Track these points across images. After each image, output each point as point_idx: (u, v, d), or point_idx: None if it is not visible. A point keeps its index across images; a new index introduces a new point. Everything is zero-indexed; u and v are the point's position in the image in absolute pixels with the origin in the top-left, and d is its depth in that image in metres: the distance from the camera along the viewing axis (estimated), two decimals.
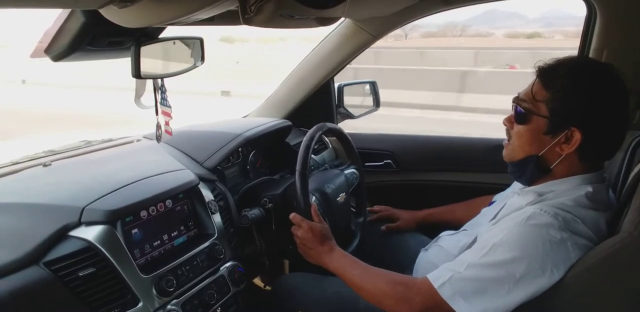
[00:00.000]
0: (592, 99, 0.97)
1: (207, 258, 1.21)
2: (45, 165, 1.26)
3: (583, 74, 1.00)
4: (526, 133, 1.04)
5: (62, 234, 0.96)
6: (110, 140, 1.56)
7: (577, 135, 0.97)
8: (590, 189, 1.00)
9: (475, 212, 1.35)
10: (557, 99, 0.98)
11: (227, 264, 1.27)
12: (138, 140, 1.58)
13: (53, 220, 0.98)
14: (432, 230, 1.52)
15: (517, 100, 1.05)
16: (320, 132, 1.41)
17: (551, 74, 1.01)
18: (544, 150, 1.02)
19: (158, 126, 1.19)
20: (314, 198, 1.39)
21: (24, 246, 0.91)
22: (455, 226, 1.38)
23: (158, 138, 1.20)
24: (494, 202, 1.34)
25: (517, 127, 1.06)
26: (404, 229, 1.65)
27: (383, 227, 1.65)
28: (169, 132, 1.20)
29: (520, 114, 1.04)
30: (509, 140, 1.10)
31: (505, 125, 1.10)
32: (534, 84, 1.03)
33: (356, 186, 1.62)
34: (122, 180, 1.15)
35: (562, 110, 0.98)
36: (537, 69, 1.03)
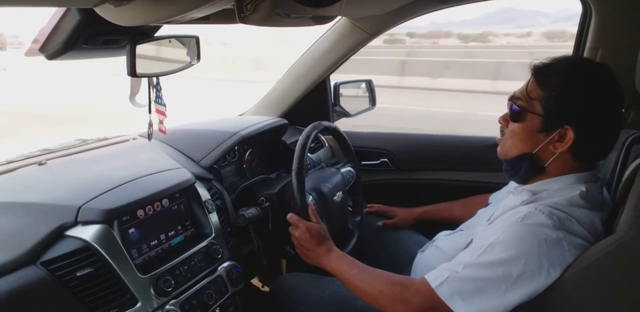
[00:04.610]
0: (586, 98, 0.97)
1: (204, 258, 1.21)
2: (40, 164, 1.25)
3: (577, 73, 1.00)
4: (520, 131, 1.04)
5: (58, 234, 0.96)
6: (106, 138, 1.55)
7: (571, 134, 0.97)
8: (583, 188, 1.00)
9: (472, 210, 1.35)
10: (551, 97, 0.99)
11: (225, 264, 1.27)
12: (134, 139, 1.57)
13: (49, 219, 0.97)
14: (429, 230, 1.52)
15: (512, 99, 1.06)
16: (316, 130, 1.40)
17: (546, 73, 1.01)
18: (537, 148, 1.02)
19: (150, 124, 1.18)
20: (310, 197, 1.39)
21: (21, 245, 0.90)
22: (452, 224, 1.38)
23: (149, 136, 1.19)
24: (489, 203, 1.34)
25: (512, 125, 1.06)
26: (400, 225, 1.66)
27: (379, 223, 1.66)
28: (162, 131, 1.19)
29: (515, 112, 1.04)
30: (502, 137, 1.11)
31: (500, 123, 1.10)
32: (529, 82, 1.03)
33: (353, 184, 1.62)
34: (118, 179, 1.14)
35: (556, 109, 0.98)
36: (532, 67, 1.03)
